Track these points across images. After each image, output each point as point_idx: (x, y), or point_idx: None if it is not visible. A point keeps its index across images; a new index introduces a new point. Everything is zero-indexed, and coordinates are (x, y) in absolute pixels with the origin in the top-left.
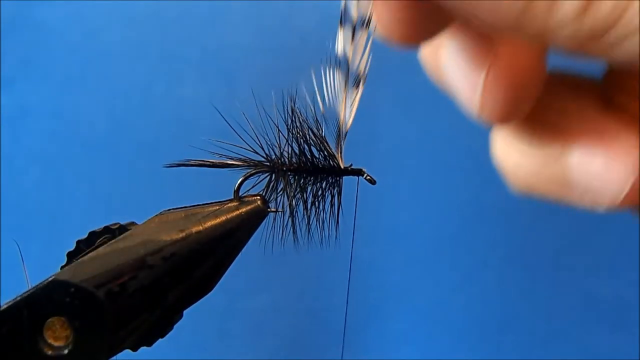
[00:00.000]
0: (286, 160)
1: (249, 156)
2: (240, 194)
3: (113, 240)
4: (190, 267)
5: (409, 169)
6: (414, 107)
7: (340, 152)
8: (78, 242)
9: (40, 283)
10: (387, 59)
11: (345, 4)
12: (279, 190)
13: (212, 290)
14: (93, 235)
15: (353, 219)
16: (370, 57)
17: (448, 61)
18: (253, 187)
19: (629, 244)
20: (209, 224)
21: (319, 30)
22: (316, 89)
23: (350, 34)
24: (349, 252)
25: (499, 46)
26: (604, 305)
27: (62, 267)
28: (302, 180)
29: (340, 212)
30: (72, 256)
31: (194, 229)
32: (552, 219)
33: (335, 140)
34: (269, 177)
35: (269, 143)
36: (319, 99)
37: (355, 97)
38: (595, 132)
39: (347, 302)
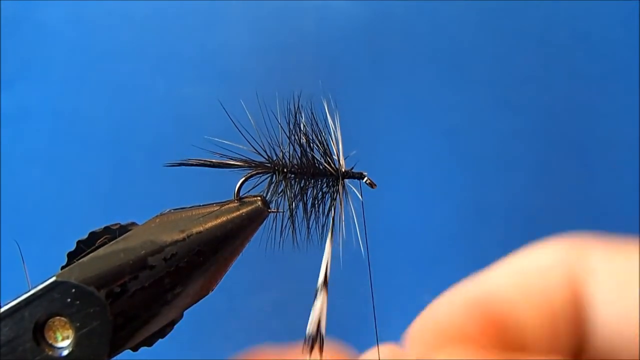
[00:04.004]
0: (287, 161)
1: (250, 157)
2: (240, 194)
3: (114, 241)
4: (191, 268)
5: (409, 169)
6: (414, 107)
7: (342, 156)
8: (78, 242)
9: (41, 283)
10: (388, 58)
11: None
12: (279, 192)
13: (213, 291)
14: (93, 236)
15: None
16: None
17: None
18: (254, 187)
19: None
20: (209, 224)
21: (319, 30)
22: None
23: None
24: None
25: None
26: None
27: (62, 268)
28: (302, 183)
29: (340, 213)
30: (72, 256)
31: (195, 230)
32: (552, 219)
33: (337, 143)
34: (269, 178)
35: (270, 144)
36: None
37: None
38: None
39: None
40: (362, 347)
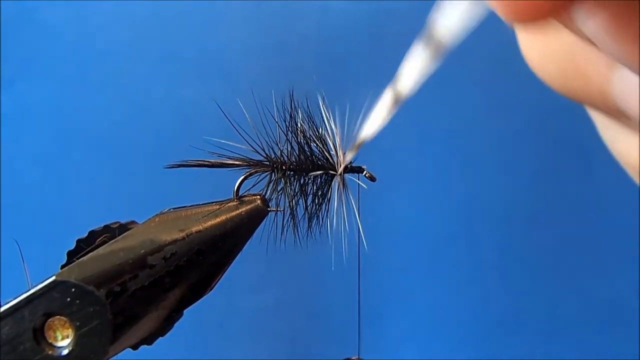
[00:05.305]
0: (286, 159)
1: (248, 155)
2: (240, 193)
3: (113, 240)
4: (191, 267)
5: (409, 168)
6: (414, 107)
7: (341, 151)
8: (78, 241)
9: (41, 283)
10: (388, 58)
11: None
12: (279, 190)
13: (212, 290)
14: (93, 234)
15: (352, 218)
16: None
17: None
18: (253, 186)
19: (629, 244)
20: (209, 223)
21: (319, 30)
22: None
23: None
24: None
25: None
26: (603, 305)
27: (62, 267)
28: (302, 179)
29: (341, 212)
30: (72, 255)
31: (194, 229)
32: (552, 219)
33: (335, 139)
34: (268, 176)
35: (268, 142)
36: (319, 99)
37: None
38: None
39: (359, 302)
40: (362, 345)
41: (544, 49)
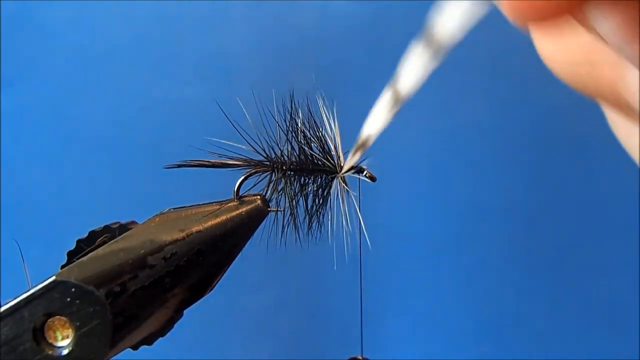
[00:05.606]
0: (286, 159)
1: (249, 156)
2: (240, 193)
3: (113, 240)
4: (191, 267)
5: (408, 169)
6: (414, 107)
7: (341, 151)
8: (78, 241)
9: (41, 283)
10: (387, 57)
11: None
12: (279, 190)
13: (213, 290)
14: (93, 235)
15: (353, 218)
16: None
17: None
18: (253, 186)
19: (629, 244)
20: (209, 223)
21: (319, 30)
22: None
23: None
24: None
25: None
26: (603, 306)
27: (62, 267)
28: (302, 179)
29: (342, 212)
30: (72, 255)
31: (195, 229)
32: (552, 219)
33: (336, 139)
34: (269, 176)
35: (269, 142)
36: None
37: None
38: None
39: (361, 302)
40: (363, 344)
41: (558, 46)
